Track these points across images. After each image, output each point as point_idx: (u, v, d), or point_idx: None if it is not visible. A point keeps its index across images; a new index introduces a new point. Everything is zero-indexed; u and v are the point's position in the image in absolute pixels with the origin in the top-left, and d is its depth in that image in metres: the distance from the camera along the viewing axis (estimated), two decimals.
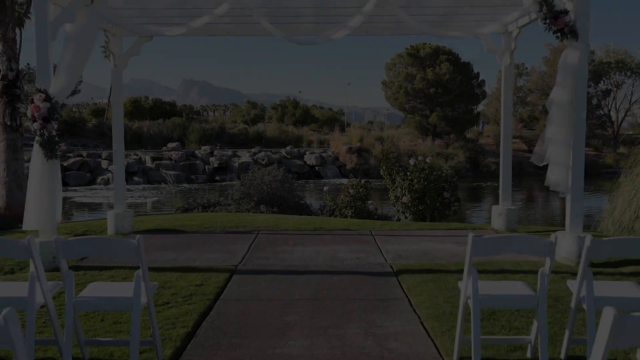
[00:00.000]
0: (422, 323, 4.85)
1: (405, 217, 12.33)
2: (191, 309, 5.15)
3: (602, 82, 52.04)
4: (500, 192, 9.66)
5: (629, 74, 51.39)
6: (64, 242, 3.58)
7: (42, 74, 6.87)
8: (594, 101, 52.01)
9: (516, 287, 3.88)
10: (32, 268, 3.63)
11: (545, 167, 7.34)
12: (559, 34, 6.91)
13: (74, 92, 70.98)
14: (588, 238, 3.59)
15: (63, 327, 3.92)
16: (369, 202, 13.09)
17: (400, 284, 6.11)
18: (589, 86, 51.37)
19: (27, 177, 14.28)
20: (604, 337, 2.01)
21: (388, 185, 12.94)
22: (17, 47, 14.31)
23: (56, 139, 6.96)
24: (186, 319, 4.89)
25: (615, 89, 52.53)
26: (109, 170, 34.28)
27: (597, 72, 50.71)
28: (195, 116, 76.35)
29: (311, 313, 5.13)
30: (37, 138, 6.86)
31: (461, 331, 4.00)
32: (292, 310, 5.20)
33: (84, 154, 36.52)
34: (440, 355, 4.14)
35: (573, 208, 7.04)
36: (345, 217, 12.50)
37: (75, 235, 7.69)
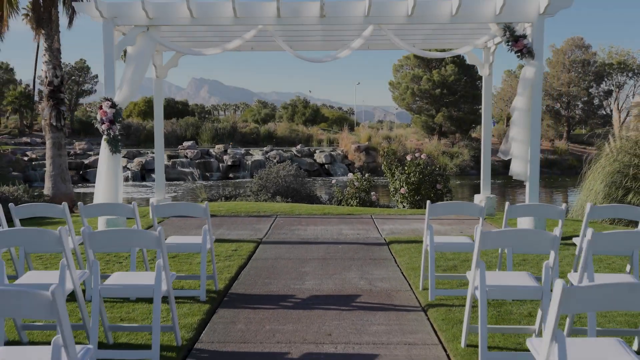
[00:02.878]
0: (402, 272, 6.62)
1: (403, 206, 14.08)
2: (232, 264, 6.95)
3: (604, 82, 53.41)
4: (481, 183, 11.41)
5: (630, 75, 52.72)
6: (157, 205, 5.38)
7: (108, 85, 8.71)
8: (596, 101, 53.43)
9: (460, 239, 5.64)
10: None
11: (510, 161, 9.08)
12: (519, 54, 8.62)
13: (90, 93, 73.22)
14: (507, 204, 5.35)
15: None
16: (372, 193, 14.87)
17: (390, 250, 7.89)
18: (591, 87, 52.85)
19: (69, 171, 16.11)
20: (476, 244, 3.79)
21: (388, 178, 14.71)
22: (61, 55, 16.20)
23: (119, 137, 8.78)
24: (229, 269, 6.68)
25: (617, 90, 53.89)
26: (128, 168, 36.15)
27: (599, 73, 52.10)
28: (206, 115, 78.31)
29: (321, 267, 6.92)
30: (104, 137, 8.69)
31: (424, 270, 5.78)
32: (307, 265, 7.00)
33: None
34: (411, 289, 5.91)
35: (531, 191, 8.79)
36: (351, 206, 14.27)
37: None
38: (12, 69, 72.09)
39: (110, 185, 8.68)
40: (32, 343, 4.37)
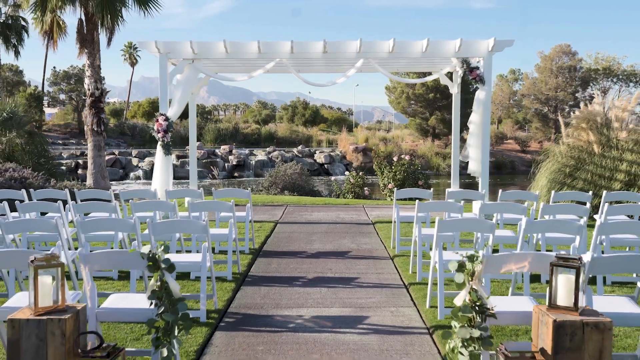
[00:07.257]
0: (380, 240, 9.43)
1: (391, 199, 16.86)
2: (260, 235, 9.74)
3: (590, 87, 56.25)
4: (451, 180, 14.21)
5: (615, 80, 55.56)
6: (216, 190, 8.16)
7: (162, 103, 11.49)
8: (581, 105, 56.23)
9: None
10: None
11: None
12: (473, 80, 11.41)
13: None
14: (447, 191, 8.13)
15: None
16: (365, 188, 17.67)
17: (374, 227, 10.69)
18: (577, 92, 55.71)
19: (107, 169, 18.78)
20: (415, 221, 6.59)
21: (378, 175, 17.52)
22: (101, 71, 18.95)
23: (170, 143, 11.54)
24: (259, 238, 9.47)
25: (603, 95, 56.67)
26: (139, 167, 38.75)
27: (585, 78, 54.97)
28: (208, 116, 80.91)
29: (324, 236, 9.72)
30: (159, 142, 11.45)
31: (393, 235, 8.58)
32: (314, 235, 9.80)
33: (116, 152, 40.78)
34: (385, 248, 8.71)
35: (482, 183, 11.59)
36: (347, 198, 17.06)
37: None
38: (21, 71, 74.71)
39: (164, 179, 11.47)
40: None
